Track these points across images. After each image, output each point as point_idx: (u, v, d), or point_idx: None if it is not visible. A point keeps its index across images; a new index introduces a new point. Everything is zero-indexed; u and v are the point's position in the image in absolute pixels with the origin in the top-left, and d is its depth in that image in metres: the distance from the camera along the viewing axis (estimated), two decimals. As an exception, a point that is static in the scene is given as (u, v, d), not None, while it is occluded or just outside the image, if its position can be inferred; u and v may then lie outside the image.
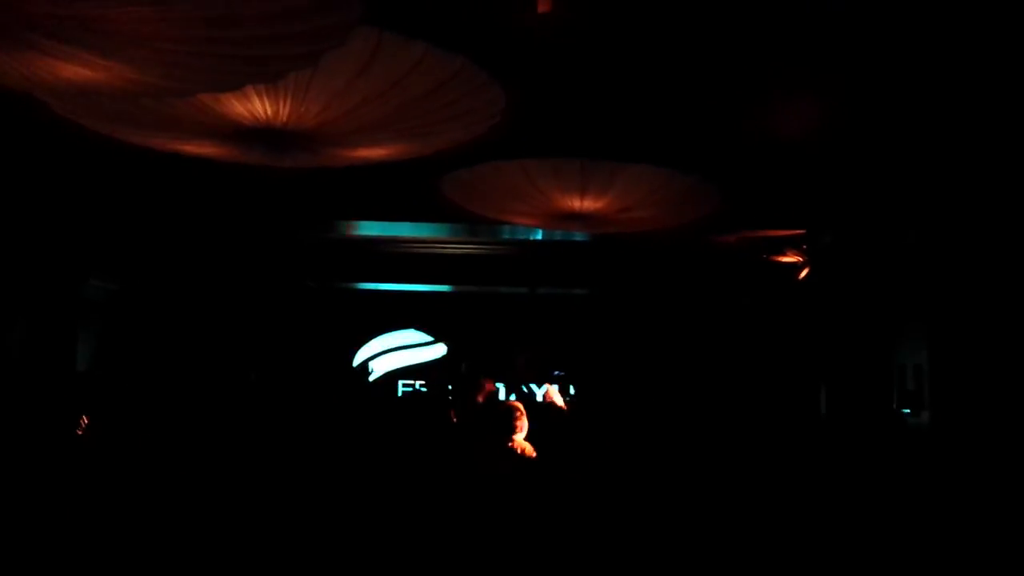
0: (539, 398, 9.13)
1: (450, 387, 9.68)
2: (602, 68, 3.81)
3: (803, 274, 7.52)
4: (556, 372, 10.00)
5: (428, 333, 10.60)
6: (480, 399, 6.81)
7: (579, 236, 7.19)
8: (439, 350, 10.58)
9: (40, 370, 7.25)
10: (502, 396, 9.15)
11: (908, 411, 6.22)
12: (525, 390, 9.64)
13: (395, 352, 10.50)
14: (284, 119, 3.49)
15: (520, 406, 5.18)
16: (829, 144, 4.78)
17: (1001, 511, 4.97)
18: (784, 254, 7.42)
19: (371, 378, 10.27)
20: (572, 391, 10.02)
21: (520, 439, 5.00)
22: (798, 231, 7.09)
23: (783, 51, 3.57)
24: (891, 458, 6.20)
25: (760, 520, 5.24)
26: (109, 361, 8.49)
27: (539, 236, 7.63)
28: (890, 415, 6.53)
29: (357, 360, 10.38)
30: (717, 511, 5.27)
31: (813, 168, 5.24)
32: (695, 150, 4.69)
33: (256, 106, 3.38)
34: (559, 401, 7.04)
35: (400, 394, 10.27)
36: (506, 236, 7.80)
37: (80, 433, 4.89)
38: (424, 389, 10.35)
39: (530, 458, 4.92)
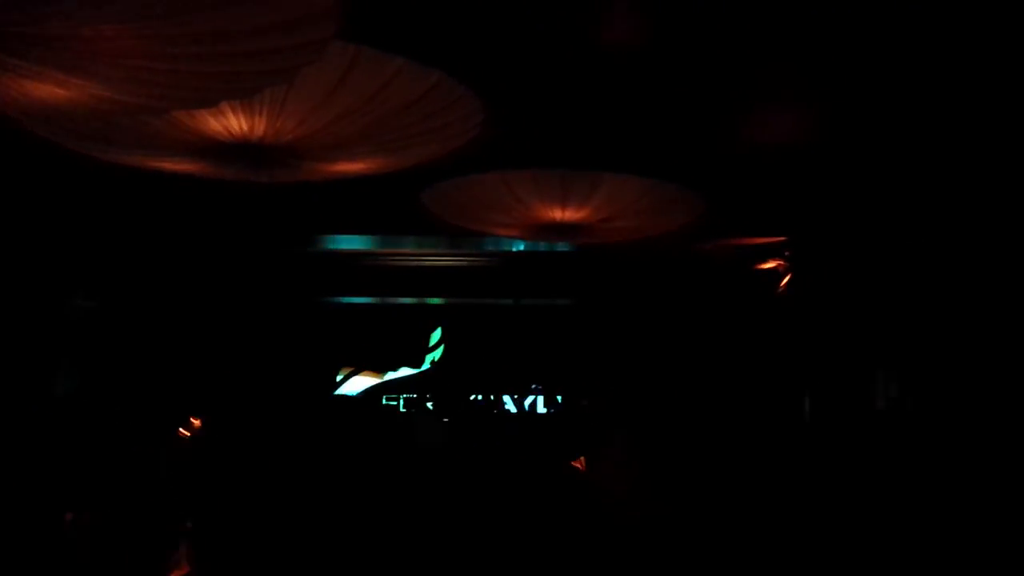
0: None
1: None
2: (581, 78, 3.80)
3: (785, 282, 7.53)
4: (534, 385, 9.96)
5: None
6: None
7: (562, 247, 7.18)
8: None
9: (17, 393, 7.14)
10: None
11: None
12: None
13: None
14: (260, 134, 3.46)
15: None
16: (811, 151, 4.79)
17: (990, 511, 4.98)
18: (766, 262, 7.44)
19: (352, 394, 10.14)
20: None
21: None
22: (780, 239, 7.10)
23: (765, 58, 3.57)
24: (876, 463, 6.20)
25: (748, 525, 5.23)
26: (90, 383, 8.38)
27: (522, 247, 7.62)
28: (873, 420, 6.54)
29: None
30: (706, 517, 5.25)
31: (795, 175, 5.25)
32: (676, 159, 4.69)
33: (231, 122, 3.35)
34: None
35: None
36: (489, 248, 7.79)
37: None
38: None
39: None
